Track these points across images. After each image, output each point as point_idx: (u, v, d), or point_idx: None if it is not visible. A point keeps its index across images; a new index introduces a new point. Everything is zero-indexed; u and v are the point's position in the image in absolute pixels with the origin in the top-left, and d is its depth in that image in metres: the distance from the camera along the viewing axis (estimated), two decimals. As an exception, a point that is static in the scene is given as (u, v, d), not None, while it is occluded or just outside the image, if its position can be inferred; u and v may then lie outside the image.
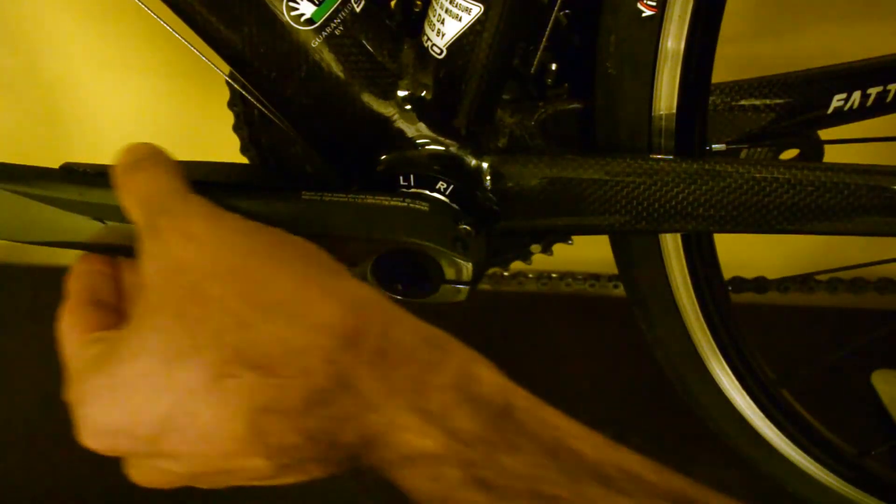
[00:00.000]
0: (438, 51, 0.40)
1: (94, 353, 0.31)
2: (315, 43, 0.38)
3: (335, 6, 0.38)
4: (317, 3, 0.38)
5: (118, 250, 0.38)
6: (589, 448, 0.29)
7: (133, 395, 0.29)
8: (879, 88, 0.47)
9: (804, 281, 0.82)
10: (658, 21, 0.39)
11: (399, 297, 0.41)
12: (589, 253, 0.69)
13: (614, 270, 0.55)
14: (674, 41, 0.40)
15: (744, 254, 0.74)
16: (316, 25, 0.38)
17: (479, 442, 0.28)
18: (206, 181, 0.38)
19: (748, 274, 0.74)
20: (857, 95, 0.47)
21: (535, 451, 0.28)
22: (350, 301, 0.30)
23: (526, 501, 0.27)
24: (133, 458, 0.32)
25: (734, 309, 0.55)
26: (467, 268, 0.39)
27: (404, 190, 0.42)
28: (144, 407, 0.29)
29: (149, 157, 0.36)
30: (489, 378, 0.30)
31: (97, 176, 0.39)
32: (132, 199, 0.35)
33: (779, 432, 0.61)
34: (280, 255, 0.31)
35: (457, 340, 0.31)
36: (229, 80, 0.44)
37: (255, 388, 0.28)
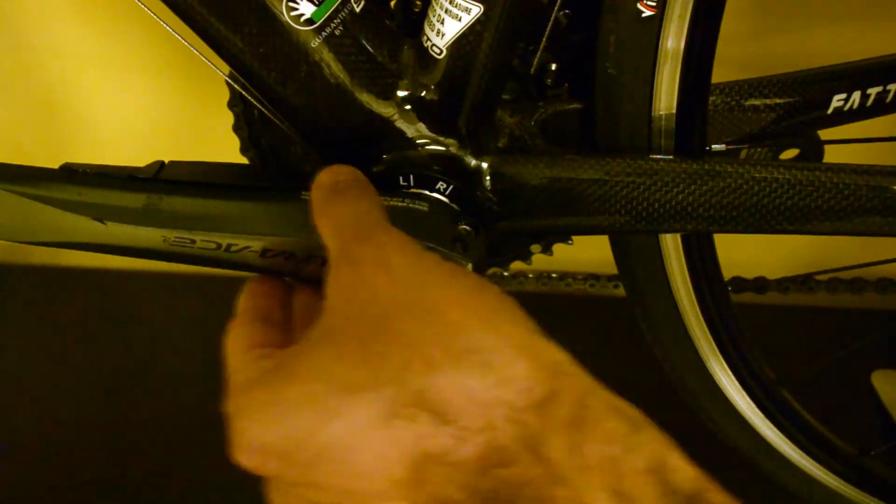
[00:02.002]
0: (438, 51, 0.40)
1: (263, 367, 0.30)
2: (315, 43, 0.38)
3: (335, 6, 0.38)
4: (316, 3, 0.38)
5: (286, 273, 0.38)
6: None
7: (299, 417, 0.27)
8: (879, 88, 0.47)
9: (804, 281, 0.82)
10: (658, 21, 0.40)
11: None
12: (589, 253, 0.69)
13: (614, 270, 0.55)
14: (674, 41, 0.40)
15: (744, 254, 0.74)
16: (316, 25, 0.38)
17: None
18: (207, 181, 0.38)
19: (748, 274, 0.74)
20: (857, 95, 0.47)
21: None
22: (546, 362, 0.28)
23: None
24: (280, 483, 0.30)
25: (734, 309, 0.55)
26: (467, 268, 0.39)
27: (404, 190, 0.42)
28: (308, 432, 0.27)
29: (352, 182, 0.35)
30: (684, 467, 0.27)
31: (97, 176, 0.39)
32: (329, 223, 0.33)
33: (779, 432, 0.61)
34: (479, 304, 0.29)
35: (650, 421, 0.28)
36: (229, 80, 0.44)
37: (429, 434, 0.26)
